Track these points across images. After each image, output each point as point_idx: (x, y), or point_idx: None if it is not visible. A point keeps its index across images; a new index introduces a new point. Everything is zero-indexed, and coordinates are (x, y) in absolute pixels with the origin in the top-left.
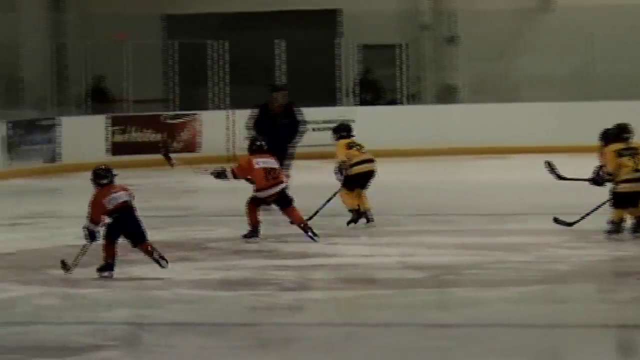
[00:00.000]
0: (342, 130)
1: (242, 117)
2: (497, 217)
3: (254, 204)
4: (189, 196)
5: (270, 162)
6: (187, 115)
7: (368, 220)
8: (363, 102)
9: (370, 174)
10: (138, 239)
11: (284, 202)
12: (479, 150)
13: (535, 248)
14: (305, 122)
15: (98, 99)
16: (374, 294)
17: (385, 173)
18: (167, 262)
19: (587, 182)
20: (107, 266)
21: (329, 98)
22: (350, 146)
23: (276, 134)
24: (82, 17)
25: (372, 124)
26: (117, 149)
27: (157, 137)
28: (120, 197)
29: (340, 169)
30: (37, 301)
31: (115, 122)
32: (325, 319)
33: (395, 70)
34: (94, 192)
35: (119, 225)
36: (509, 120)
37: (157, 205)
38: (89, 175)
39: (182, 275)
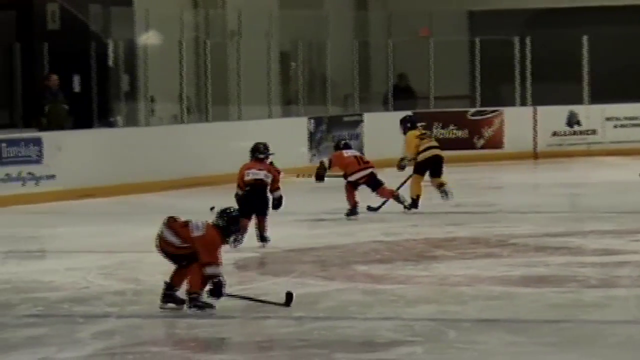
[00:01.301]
0: (408, 122)
1: (545, 113)
2: None
3: (352, 186)
4: (493, 192)
5: (357, 153)
6: (491, 111)
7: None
8: None
9: (436, 158)
10: (260, 212)
11: (375, 184)
12: None
13: None
14: None
15: (401, 95)
16: None
17: None
18: (268, 242)
19: None
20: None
21: (636, 94)
22: (421, 137)
23: None
24: (386, 15)
25: None
26: None
27: (461, 134)
28: (258, 174)
29: (401, 165)
30: (341, 296)
31: (418, 118)
32: (630, 317)
33: None
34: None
35: (250, 199)
36: None
37: (460, 202)
38: (391, 171)
39: (486, 272)
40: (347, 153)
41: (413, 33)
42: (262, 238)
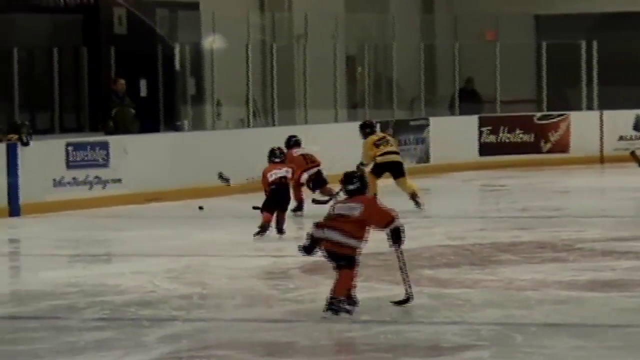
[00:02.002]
0: (367, 127)
1: (612, 117)
2: None
3: (298, 184)
4: (559, 197)
5: (306, 150)
6: (558, 115)
7: (417, 204)
8: None
9: (393, 164)
10: (283, 207)
11: (319, 182)
12: None
13: None
14: None
15: (467, 99)
16: None
17: None
18: (283, 234)
19: None
20: (262, 229)
21: None
22: (377, 144)
23: None
24: (452, 18)
25: None
26: (485, 149)
27: (528, 138)
28: (280, 173)
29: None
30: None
31: (484, 122)
32: None
33: None
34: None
35: (275, 196)
36: None
37: (527, 206)
38: (457, 175)
39: (553, 276)
40: (296, 153)
41: (479, 36)
42: (280, 230)
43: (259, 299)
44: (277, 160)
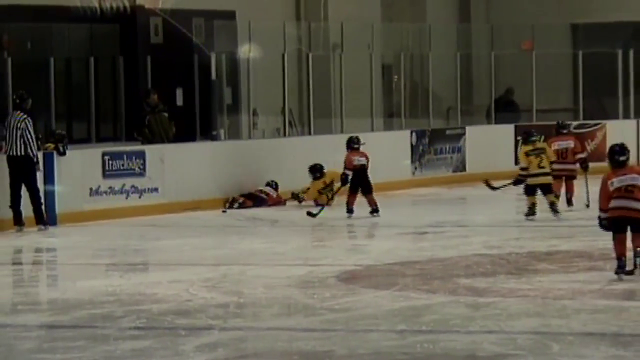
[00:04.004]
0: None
1: None
2: None
3: None
4: (596, 206)
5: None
6: (594, 124)
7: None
8: None
9: None
10: (366, 190)
11: None
12: None
13: None
14: None
15: (505, 109)
16: None
17: None
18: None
19: (512, 185)
20: (348, 211)
21: None
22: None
23: None
24: (488, 27)
25: None
26: None
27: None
28: (360, 160)
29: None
30: (444, 310)
31: (520, 131)
32: None
33: None
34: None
35: (356, 180)
36: None
37: (563, 215)
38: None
39: (590, 285)
40: None
41: (516, 46)
42: (374, 211)
43: (296, 308)
44: (355, 146)
